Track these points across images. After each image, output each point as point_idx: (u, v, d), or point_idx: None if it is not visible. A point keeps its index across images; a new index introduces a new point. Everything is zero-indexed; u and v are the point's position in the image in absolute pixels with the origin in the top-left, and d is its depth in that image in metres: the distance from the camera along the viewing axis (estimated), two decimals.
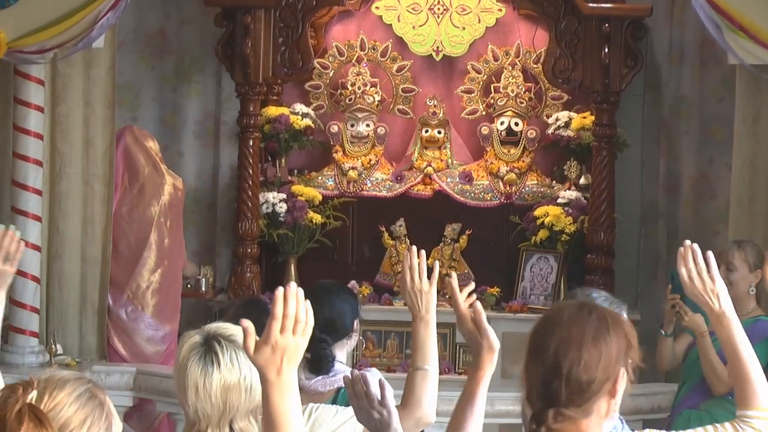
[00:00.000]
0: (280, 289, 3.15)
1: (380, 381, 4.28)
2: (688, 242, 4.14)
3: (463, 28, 10.47)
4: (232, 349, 4.07)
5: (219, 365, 4.04)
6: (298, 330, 3.19)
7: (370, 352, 9.75)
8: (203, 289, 10.29)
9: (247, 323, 3.18)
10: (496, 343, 4.09)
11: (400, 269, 11.14)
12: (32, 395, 3.10)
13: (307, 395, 5.11)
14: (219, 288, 10.50)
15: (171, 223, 9.75)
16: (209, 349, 4.04)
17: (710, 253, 4.15)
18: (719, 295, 4.19)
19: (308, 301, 3.28)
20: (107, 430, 3.22)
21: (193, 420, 4.06)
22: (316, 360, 5.19)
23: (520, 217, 10.17)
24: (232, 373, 4.04)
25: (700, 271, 4.14)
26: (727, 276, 6.79)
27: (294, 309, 3.20)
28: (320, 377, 5.28)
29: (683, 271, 4.14)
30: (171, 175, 9.85)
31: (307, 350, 5.38)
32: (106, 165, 9.63)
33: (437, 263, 4.78)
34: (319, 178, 10.55)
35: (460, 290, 4.27)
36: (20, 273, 8.76)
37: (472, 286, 4.40)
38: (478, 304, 4.13)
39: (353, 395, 4.30)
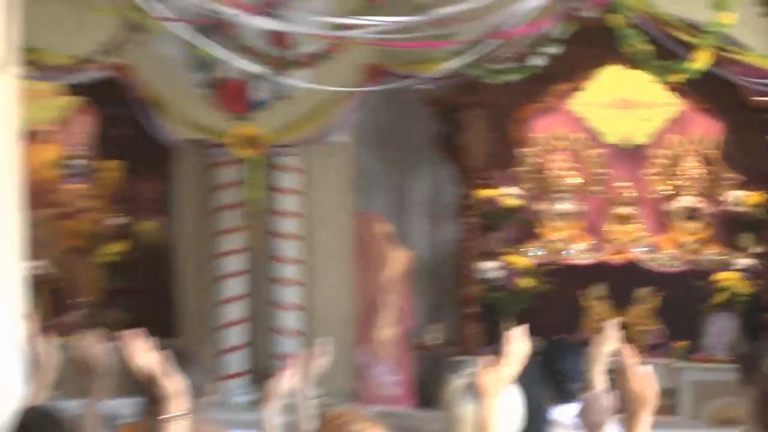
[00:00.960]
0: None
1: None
2: None
3: (648, 121, 10.98)
4: None
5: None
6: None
7: None
8: (435, 342, 10.83)
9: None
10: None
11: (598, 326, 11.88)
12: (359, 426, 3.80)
13: None
14: (448, 342, 10.85)
15: (401, 288, 10.51)
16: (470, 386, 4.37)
17: None
18: None
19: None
20: None
21: None
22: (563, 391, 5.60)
23: (702, 282, 10.72)
24: None
25: None
26: None
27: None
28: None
29: None
30: (398, 250, 10.57)
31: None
32: (347, 242, 10.54)
33: None
34: (529, 249, 10.95)
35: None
36: (278, 331, 10.27)
37: None
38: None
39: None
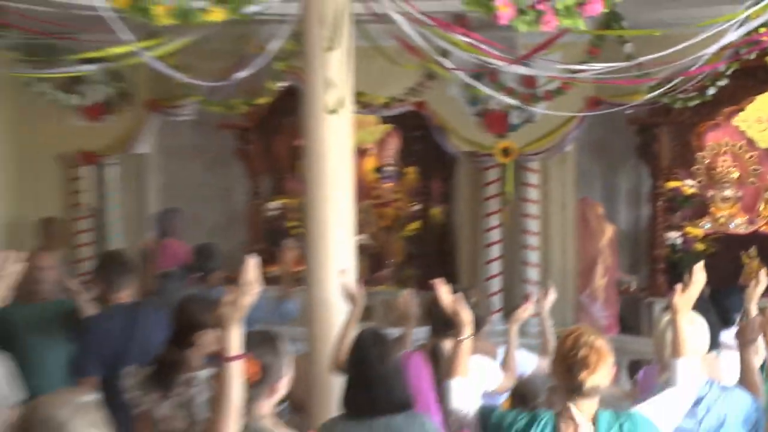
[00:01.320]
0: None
1: None
2: None
3: None
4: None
5: None
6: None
7: None
8: (632, 289, 10.87)
9: None
10: None
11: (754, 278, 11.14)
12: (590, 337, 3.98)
13: None
14: (642, 288, 10.85)
15: (610, 251, 10.62)
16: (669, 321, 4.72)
17: None
18: None
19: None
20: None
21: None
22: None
23: None
24: None
25: None
26: None
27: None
28: None
29: None
30: (608, 225, 10.68)
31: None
32: (572, 219, 10.65)
33: None
34: (702, 223, 10.99)
35: None
36: (524, 281, 10.39)
37: None
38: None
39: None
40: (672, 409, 4.27)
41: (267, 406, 4.07)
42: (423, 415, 4.70)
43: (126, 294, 6.61)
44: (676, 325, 4.46)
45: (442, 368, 5.30)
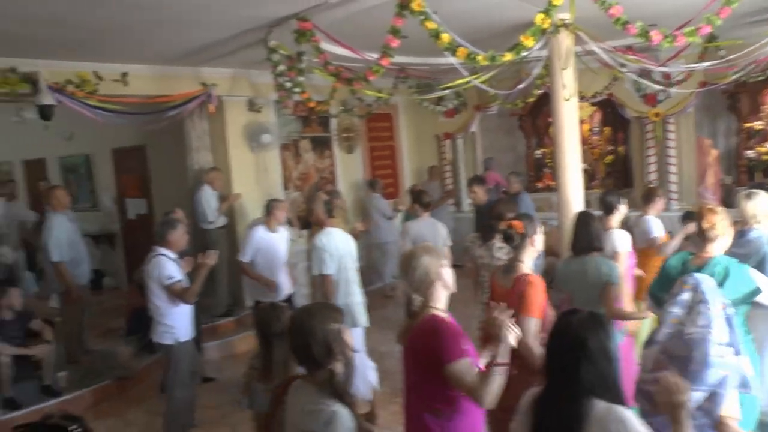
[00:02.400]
0: None
1: None
2: None
3: None
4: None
5: None
6: None
7: None
8: (728, 183, 9.87)
9: None
10: None
11: None
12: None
13: None
14: (733, 182, 9.92)
15: (715, 163, 9.74)
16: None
17: None
18: None
19: None
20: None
21: None
22: None
23: None
24: None
25: None
26: None
27: None
28: None
29: None
30: (714, 149, 9.77)
31: None
32: (693, 147, 9.94)
33: None
34: (765, 144, 9.93)
35: None
36: (668, 182, 9.90)
37: None
38: None
39: None
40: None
41: (528, 254, 3.52)
42: (602, 258, 4.18)
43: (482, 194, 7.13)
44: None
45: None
